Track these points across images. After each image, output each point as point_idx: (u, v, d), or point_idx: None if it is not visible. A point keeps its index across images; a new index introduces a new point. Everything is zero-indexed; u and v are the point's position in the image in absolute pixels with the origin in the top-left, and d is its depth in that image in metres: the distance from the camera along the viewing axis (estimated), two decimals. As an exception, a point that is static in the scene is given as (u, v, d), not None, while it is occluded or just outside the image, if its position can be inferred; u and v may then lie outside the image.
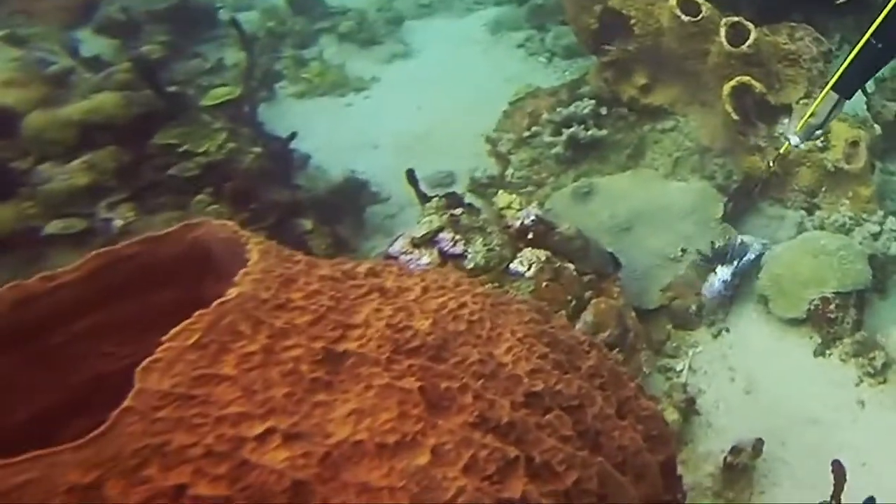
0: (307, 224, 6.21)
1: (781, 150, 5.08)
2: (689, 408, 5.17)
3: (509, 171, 6.94)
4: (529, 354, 2.47)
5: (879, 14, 4.01)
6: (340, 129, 8.10)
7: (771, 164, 6.02)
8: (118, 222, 5.35)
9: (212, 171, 5.84)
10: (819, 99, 4.43)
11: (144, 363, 1.77)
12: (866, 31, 4.08)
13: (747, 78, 6.28)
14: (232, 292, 2.00)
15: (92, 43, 7.43)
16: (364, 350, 2.09)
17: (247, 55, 7.49)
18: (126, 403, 1.69)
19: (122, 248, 2.37)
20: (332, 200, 6.80)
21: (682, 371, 5.52)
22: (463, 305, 2.51)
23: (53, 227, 5.24)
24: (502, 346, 2.46)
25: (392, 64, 9.32)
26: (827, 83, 4.42)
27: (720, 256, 5.96)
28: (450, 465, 1.94)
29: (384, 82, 8.97)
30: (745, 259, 5.97)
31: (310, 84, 8.83)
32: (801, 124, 4.53)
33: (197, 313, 1.91)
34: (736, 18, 6.38)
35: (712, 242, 6.06)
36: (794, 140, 4.64)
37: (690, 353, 5.66)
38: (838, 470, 4.20)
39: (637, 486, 2.56)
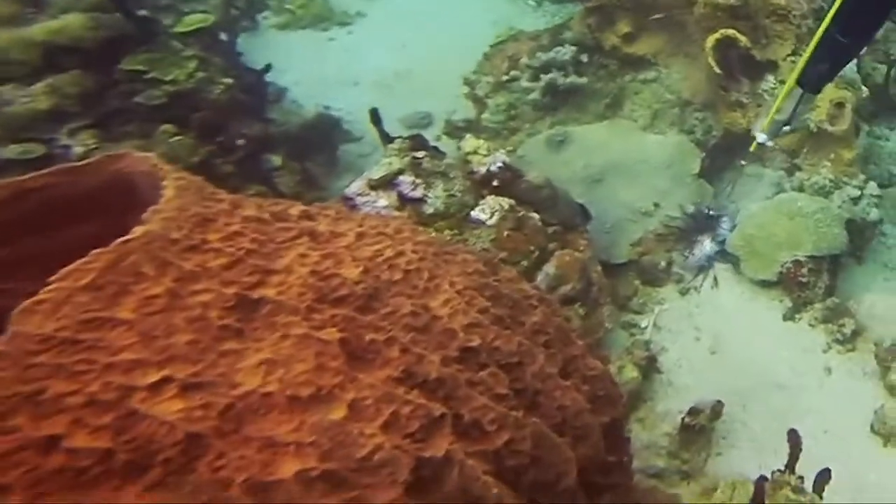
0: (276, 160, 6.15)
1: (750, 149, 4.92)
2: (650, 365, 5.06)
3: (485, 115, 6.84)
4: (468, 308, 2.35)
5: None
6: (321, 64, 8.00)
7: (743, 162, 5.84)
8: (78, 149, 5.19)
9: (179, 101, 5.69)
10: (782, 95, 4.27)
11: (24, 304, 1.64)
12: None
13: (732, 31, 6.12)
14: (137, 230, 1.87)
15: (79, -42, 7.23)
16: (283, 297, 1.97)
17: (230, -20, 7.34)
18: (-4, 348, 1.56)
19: (29, 180, 2.26)
20: (304, 136, 6.71)
21: (646, 328, 5.42)
22: (400, 254, 2.38)
23: (11, 151, 5.07)
24: (440, 297, 2.34)
25: (379, -1, 9.10)
26: (790, 77, 4.26)
27: (702, 224, 5.83)
28: (368, 420, 1.81)
29: (370, 18, 8.83)
30: (726, 229, 5.87)
31: (293, 16, 8.69)
32: (767, 121, 4.36)
33: (94, 252, 1.78)
34: (725, -31, 6.20)
35: (694, 209, 5.95)
36: (762, 137, 4.47)
37: (656, 309, 5.56)
38: (794, 439, 4.12)
39: (576, 448, 2.44)
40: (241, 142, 5.78)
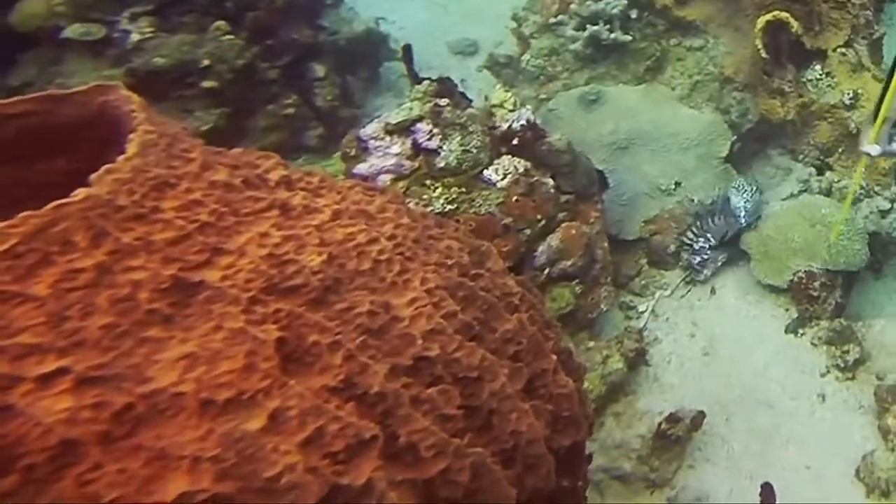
0: (320, 70, 6.09)
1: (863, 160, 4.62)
2: (638, 357, 4.89)
3: (526, 57, 6.64)
4: (434, 311, 2.20)
5: None
6: (385, -29, 7.80)
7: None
8: (135, 36, 5.14)
9: None
10: (888, 99, 4.01)
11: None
12: None
13: (785, 14, 5.84)
14: (79, 193, 1.71)
15: None
16: (225, 284, 1.82)
17: None
18: None
19: (11, 104, 2.12)
20: (350, 49, 6.61)
21: (643, 313, 5.24)
22: (374, 240, 2.23)
23: (73, 31, 5.06)
24: (406, 296, 2.19)
25: (455, -90, 8.84)
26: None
27: (712, 221, 5.65)
28: (287, 434, 1.66)
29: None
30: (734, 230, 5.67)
31: (369, -83, 8.41)
32: (874, 132, 4.10)
33: (23, 214, 1.62)
34: (788, -54, 5.94)
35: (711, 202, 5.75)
36: (874, 150, 4.20)
37: (657, 294, 5.38)
38: (767, 493, 3.97)
39: (524, 478, 2.31)
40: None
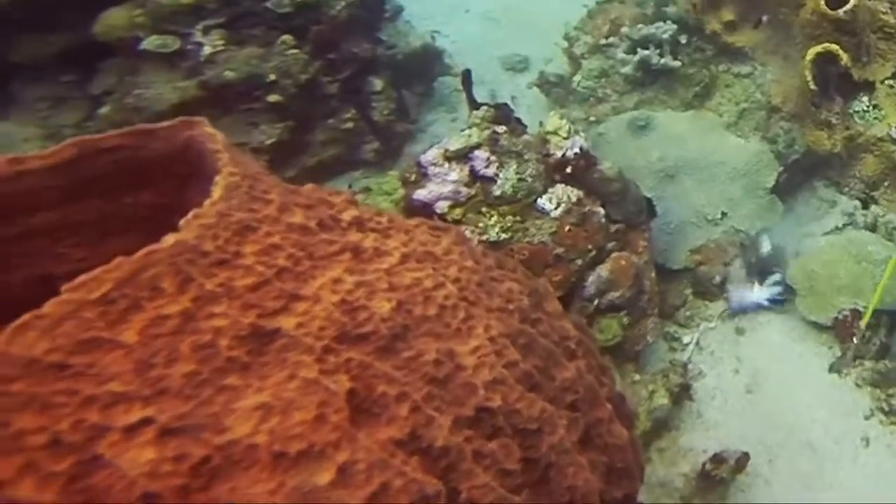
0: (378, 84, 6.16)
1: None
2: (682, 391, 4.85)
3: (577, 77, 6.64)
4: (496, 360, 2.21)
5: None
6: (440, -16, 7.85)
7: None
8: (207, 49, 5.25)
9: (304, 12, 5.65)
10: None
11: (22, 319, 1.51)
12: None
13: (835, 47, 5.73)
14: (168, 239, 1.74)
15: None
16: (300, 332, 1.84)
17: None
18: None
19: (104, 139, 2.15)
20: (406, 63, 6.65)
21: (688, 345, 5.21)
22: (440, 286, 2.24)
23: (150, 42, 5.18)
24: (470, 343, 2.20)
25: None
26: None
27: (763, 268, 5.56)
28: (354, 488, 1.70)
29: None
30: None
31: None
32: None
33: (117, 260, 1.65)
34: (838, -24, 5.88)
35: (763, 251, 5.63)
36: None
37: (702, 326, 5.33)
38: None
39: (577, 532, 2.32)
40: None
